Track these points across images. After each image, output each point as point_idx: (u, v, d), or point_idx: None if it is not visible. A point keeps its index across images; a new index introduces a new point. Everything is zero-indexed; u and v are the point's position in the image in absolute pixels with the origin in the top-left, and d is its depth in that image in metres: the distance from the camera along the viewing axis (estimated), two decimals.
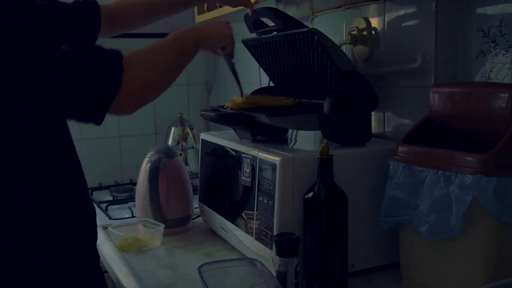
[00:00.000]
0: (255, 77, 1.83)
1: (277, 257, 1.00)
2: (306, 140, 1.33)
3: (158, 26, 1.80)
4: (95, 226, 1.06)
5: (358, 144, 1.17)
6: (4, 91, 0.83)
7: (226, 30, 1.17)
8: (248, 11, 1.31)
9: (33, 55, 0.91)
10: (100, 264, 1.13)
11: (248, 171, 1.16)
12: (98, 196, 2.02)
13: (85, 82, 0.86)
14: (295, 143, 1.32)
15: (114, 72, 0.88)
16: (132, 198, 1.84)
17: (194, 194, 1.53)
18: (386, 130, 1.34)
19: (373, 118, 1.27)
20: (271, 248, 1.06)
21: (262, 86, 1.58)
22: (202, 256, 1.29)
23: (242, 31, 1.49)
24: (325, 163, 1.00)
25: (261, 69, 1.53)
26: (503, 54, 1.04)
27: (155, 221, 1.41)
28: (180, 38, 1.06)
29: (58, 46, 0.85)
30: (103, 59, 0.88)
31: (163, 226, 1.38)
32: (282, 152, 1.08)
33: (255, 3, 1.33)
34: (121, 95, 0.88)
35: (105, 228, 1.49)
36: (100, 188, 2.16)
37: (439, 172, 0.90)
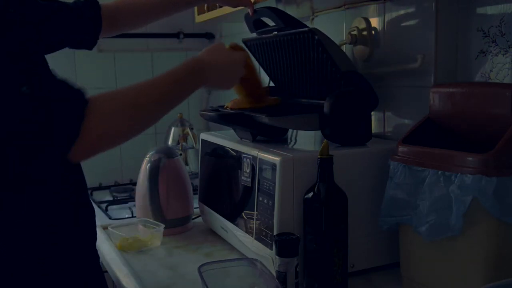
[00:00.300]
0: None
1: (277, 257, 1.00)
2: (306, 140, 1.33)
3: (158, 26, 1.80)
4: (95, 226, 1.06)
5: (358, 144, 1.17)
6: (4, 91, 0.83)
7: (235, 76, 1.11)
8: (249, 10, 1.31)
9: (33, 55, 0.90)
10: (100, 264, 1.13)
11: (248, 171, 1.16)
12: (98, 196, 2.02)
13: (41, 128, 0.82)
14: (295, 143, 1.31)
15: (72, 121, 0.81)
16: (132, 198, 1.84)
17: (194, 194, 1.53)
18: (386, 130, 1.34)
19: (373, 118, 1.27)
20: (271, 248, 1.06)
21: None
22: (202, 256, 1.29)
23: (242, 31, 1.49)
24: (325, 163, 1.00)
25: (261, 69, 1.53)
26: (503, 54, 1.04)
27: (155, 221, 1.41)
28: (176, 79, 0.97)
29: (18, 86, 0.80)
30: (64, 104, 0.82)
31: (163, 226, 1.38)
32: (282, 152, 1.08)
33: (255, 2, 1.33)
34: (75, 145, 0.82)
35: (105, 228, 1.49)
36: (100, 188, 2.16)
37: (439, 172, 0.90)
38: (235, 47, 1.18)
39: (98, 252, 1.08)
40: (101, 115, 0.85)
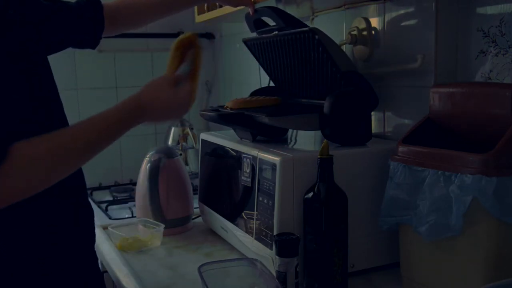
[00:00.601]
0: (255, 77, 1.83)
1: (277, 257, 1.00)
2: (306, 140, 1.33)
3: (158, 26, 1.79)
4: (93, 227, 1.06)
5: (358, 144, 1.17)
6: (4, 91, 0.83)
7: (178, 115, 1.07)
8: (249, 10, 1.31)
9: (33, 55, 0.91)
10: (99, 264, 1.13)
11: (248, 171, 1.16)
12: (98, 196, 2.02)
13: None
14: (295, 143, 1.31)
15: None
16: (132, 198, 1.84)
17: (194, 194, 1.53)
18: (386, 130, 1.34)
19: (373, 118, 1.27)
20: (271, 248, 1.06)
21: (262, 86, 1.58)
22: (202, 256, 1.29)
23: (242, 31, 1.49)
24: (325, 163, 1.00)
25: (261, 69, 1.53)
26: (503, 54, 1.04)
27: (155, 221, 1.41)
28: (109, 124, 0.92)
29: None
30: None
31: (163, 226, 1.38)
32: (282, 152, 1.08)
33: (255, 2, 1.33)
34: None
35: (105, 228, 1.49)
36: (100, 188, 2.16)
37: (439, 172, 0.90)
38: (188, 41, 1.12)
39: (98, 252, 1.08)
40: (18, 170, 0.80)
